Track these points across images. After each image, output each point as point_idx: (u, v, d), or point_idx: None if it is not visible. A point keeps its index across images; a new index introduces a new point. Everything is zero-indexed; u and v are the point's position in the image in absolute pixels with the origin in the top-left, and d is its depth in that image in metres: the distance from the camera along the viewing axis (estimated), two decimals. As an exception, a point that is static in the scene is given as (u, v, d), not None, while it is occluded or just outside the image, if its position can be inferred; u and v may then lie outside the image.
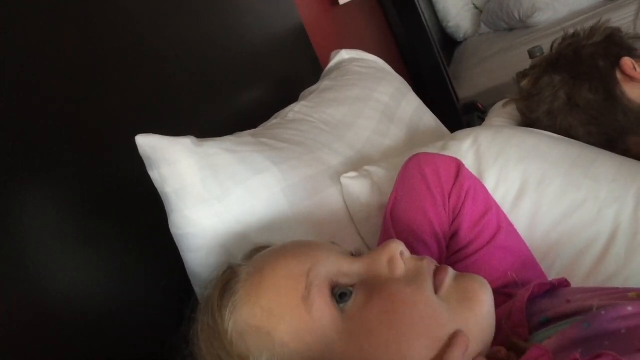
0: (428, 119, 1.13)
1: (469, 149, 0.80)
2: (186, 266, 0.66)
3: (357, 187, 0.76)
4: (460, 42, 2.93)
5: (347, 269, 0.48)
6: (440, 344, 0.43)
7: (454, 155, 0.70)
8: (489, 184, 0.74)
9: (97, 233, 0.63)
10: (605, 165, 0.77)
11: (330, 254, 0.49)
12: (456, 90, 2.18)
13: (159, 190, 0.63)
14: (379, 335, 0.44)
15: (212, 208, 0.63)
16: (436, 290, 0.46)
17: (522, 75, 1.04)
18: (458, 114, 1.99)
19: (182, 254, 0.65)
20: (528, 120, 0.99)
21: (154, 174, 0.63)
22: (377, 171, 0.79)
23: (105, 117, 0.69)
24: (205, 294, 0.51)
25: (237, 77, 1.04)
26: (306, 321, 0.45)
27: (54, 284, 0.56)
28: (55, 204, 0.59)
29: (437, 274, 0.48)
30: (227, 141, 0.71)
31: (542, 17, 2.45)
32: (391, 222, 0.65)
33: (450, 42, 2.94)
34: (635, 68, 0.91)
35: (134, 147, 0.62)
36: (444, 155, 0.69)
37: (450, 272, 0.48)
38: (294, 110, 0.92)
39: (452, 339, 0.44)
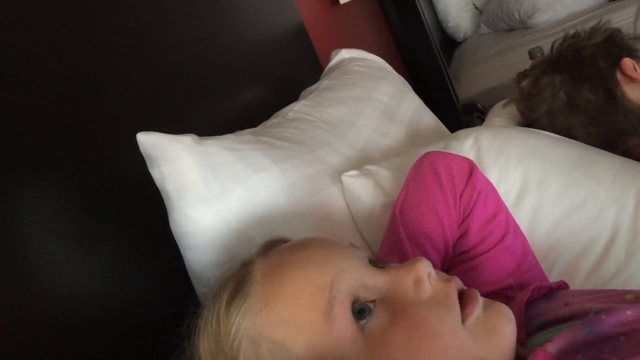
0: (428, 118, 1.13)
1: (469, 148, 0.80)
2: (186, 264, 0.66)
3: (358, 185, 0.76)
4: (460, 43, 2.92)
5: (371, 282, 0.46)
6: None
7: (455, 155, 0.70)
8: (490, 184, 0.74)
9: (97, 233, 0.63)
10: (606, 166, 0.77)
11: (352, 261, 0.47)
12: (456, 91, 2.18)
13: (160, 188, 0.63)
14: None
15: (213, 206, 0.63)
16: (463, 319, 0.44)
17: (522, 75, 1.04)
18: (458, 114, 1.98)
19: (182, 252, 0.65)
20: (528, 121, 0.99)
21: (154, 172, 0.62)
22: (378, 170, 0.78)
23: (105, 116, 0.69)
24: (214, 290, 0.49)
25: (238, 77, 1.04)
26: (325, 337, 0.43)
27: (54, 283, 0.56)
28: (55, 204, 0.59)
29: (467, 303, 0.45)
30: (228, 139, 0.71)
31: (542, 17, 2.45)
32: (399, 218, 0.64)
33: (450, 43, 2.94)
34: (635, 69, 0.91)
35: (134, 147, 0.62)
36: (457, 155, 0.68)
37: (480, 302, 0.46)
38: (294, 109, 0.92)
39: None
